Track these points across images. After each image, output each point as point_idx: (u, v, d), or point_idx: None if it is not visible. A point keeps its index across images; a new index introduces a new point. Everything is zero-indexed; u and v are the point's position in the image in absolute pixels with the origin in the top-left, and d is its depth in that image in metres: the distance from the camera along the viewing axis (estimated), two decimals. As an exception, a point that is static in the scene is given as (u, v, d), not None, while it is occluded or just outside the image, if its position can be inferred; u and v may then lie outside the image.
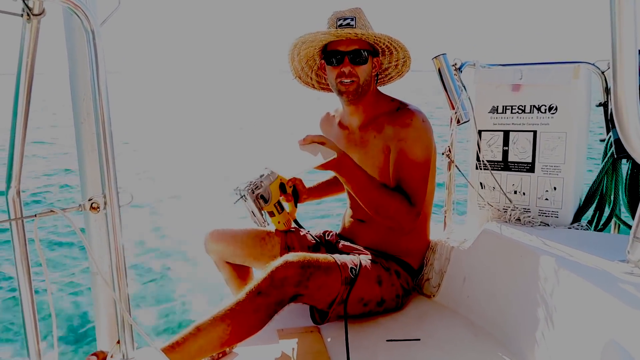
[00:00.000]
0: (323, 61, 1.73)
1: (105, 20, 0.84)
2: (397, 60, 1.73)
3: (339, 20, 1.60)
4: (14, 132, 0.92)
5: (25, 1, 0.75)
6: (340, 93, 1.69)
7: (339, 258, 1.60)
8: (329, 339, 1.60)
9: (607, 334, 1.07)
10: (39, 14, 0.77)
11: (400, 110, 1.67)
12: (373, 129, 1.71)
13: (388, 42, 1.63)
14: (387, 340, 1.57)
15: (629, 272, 1.22)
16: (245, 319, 1.36)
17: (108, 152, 0.86)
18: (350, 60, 1.62)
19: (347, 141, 1.80)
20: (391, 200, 1.55)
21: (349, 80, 1.63)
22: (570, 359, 1.20)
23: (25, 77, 0.86)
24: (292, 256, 1.46)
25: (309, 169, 1.45)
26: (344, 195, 2.05)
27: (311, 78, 1.88)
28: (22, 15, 0.76)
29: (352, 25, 1.58)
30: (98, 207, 0.85)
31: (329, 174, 2.14)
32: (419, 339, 1.58)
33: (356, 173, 1.53)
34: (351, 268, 1.57)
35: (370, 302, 1.65)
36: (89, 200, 0.85)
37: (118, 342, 0.92)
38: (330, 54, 1.65)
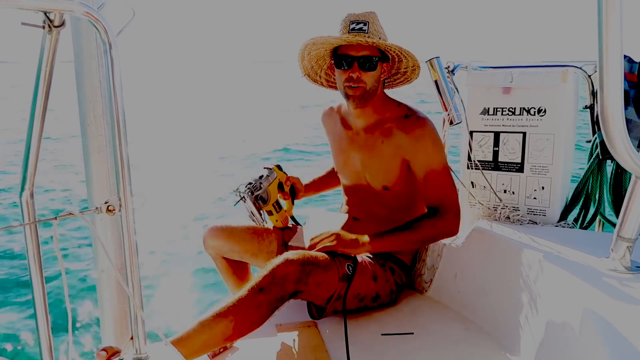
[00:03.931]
0: (333, 61, 1.74)
1: (121, 30, 0.87)
2: (406, 68, 1.75)
3: (352, 23, 1.60)
4: (30, 136, 0.95)
5: (47, 14, 0.78)
6: (347, 97, 1.70)
7: (336, 255, 1.65)
8: (326, 333, 1.65)
9: (592, 327, 1.13)
10: (59, 26, 0.80)
11: (410, 118, 1.69)
12: (380, 134, 1.73)
13: (398, 51, 1.64)
14: (382, 334, 1.63)
15: (613, 268, 1.29)
16: (247, 314, 1.41)
17: (123, 156, 0.89)
18: (359, 65, 1.62)
19: (351, 142, 1.83)
20: (427, 229, 1.68)
21: (356, 86, 1.64)
22: (558, 351, 1.27)
23: (43, 86, 0.89)
24: (292, 254, 1.50)
25: None
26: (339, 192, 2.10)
27: (320, 76, 1.88)
28: (43, 27, 0.80)
29: (365, 30, 1.59)
30: (114, 210, 0.89)
31: (325, 168, 2.20)
32: (412, 333, 1.64)
33: (379, 245, 1.68)
34: (348, 265, 1.62)
35: (366, 297, 1.70)
36: (105, 203, 0.89)
37: (132, 338, 0.97)
38: (340, 57, 1.65)
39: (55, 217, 0.83)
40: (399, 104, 1.77)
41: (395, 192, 1.78)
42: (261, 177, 1.89)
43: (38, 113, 0.92)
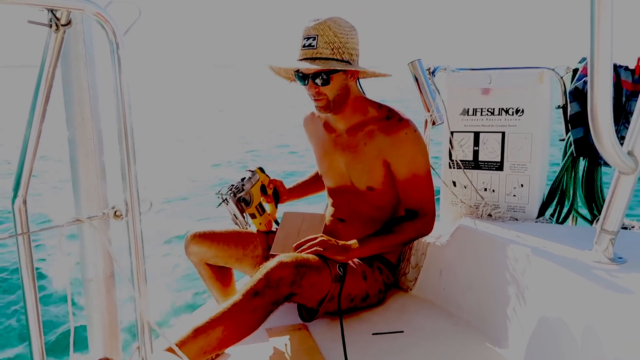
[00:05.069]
0: None
1: (128, 30, 0.85)
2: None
3: (304, 39, 1.62)
4: (27, 140, 0.91)
5: (54, 12, 0.75)
6: (316, 107, 1.74)
7: (327, 257, 1.65)
8: (317, 336, 1.65)
9: (580, 317, 1.18)
10: (66, 25, 0.77)
11: (392, 120, 1.71)
12: (363, 136, 1.74)
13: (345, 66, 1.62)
14: (373, 334, 1.64)
15: (597, 260, 1.35)
16: (243, 319, 1.39)
17: (130, 159, 0.87)
18: (313, 82, 1.64)
19: (334, 144, 1.84)
20: (409, 232, 1.73)
21: (319, 98, 1.68)
22: (544, 340, 1.32)
23: (44, 87, 0.85)
24: (285, 257, 1.49)
25: None
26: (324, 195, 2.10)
27: None
28: (50, 26, 0.76)
29: (313, 46, 1.60)
30: (121, 215, 0.86)
31: (309, 173, 2.20)
32: (402, 331, 1.66)
33: (366, 250, 1.70)
34: (339, 266, 1.63)
35: (356, 297, 1.71)
36: (112, 208, 0.86)
37: (138, 347, 0.93)
38: (296, 75, 1.68)
39: (64, 225, 0.79)
40: (380, 105, 1.78)
41: (379, 192, 1.79)
42: (243, 179, 1.88)
43: (37, 115, 0.88)
